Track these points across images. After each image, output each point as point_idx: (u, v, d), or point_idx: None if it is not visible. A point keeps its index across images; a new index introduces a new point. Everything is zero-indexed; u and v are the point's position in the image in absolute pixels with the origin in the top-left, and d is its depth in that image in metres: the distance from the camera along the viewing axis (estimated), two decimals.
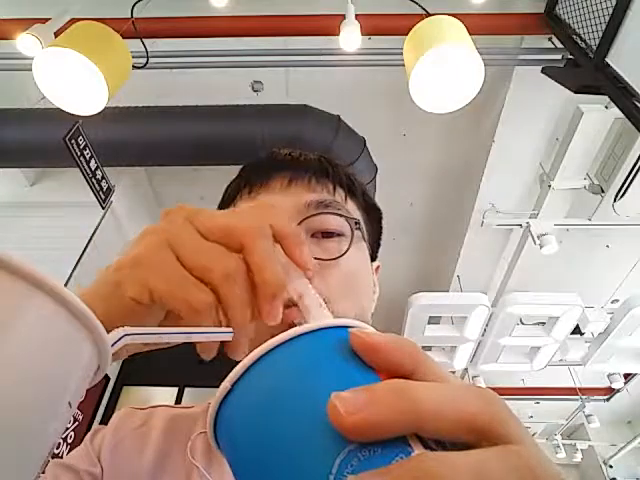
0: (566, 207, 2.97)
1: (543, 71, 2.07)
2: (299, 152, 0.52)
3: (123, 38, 1.62)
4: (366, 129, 2.72)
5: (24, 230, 3.03)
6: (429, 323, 3.24)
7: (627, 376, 4.18)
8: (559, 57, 2.07)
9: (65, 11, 1.78)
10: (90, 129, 2.28)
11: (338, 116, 2.65)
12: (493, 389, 0.18)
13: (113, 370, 3.61)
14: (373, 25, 1.93)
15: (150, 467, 0.46)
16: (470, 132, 2.94)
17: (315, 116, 2.63)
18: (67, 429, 2.91)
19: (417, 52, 1.45)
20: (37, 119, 2.60)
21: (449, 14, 1.58)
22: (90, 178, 2.38)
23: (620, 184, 2.45)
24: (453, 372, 3.71)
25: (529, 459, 0.16)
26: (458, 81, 1.50)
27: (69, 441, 2.93)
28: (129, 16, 1.80)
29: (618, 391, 4.48)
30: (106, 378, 3.50)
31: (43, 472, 0.43)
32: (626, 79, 1.56)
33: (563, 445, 5.29)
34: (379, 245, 0.56)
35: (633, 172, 2.35)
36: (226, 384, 0.20)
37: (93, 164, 2.38)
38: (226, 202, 0.52)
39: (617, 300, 3.68)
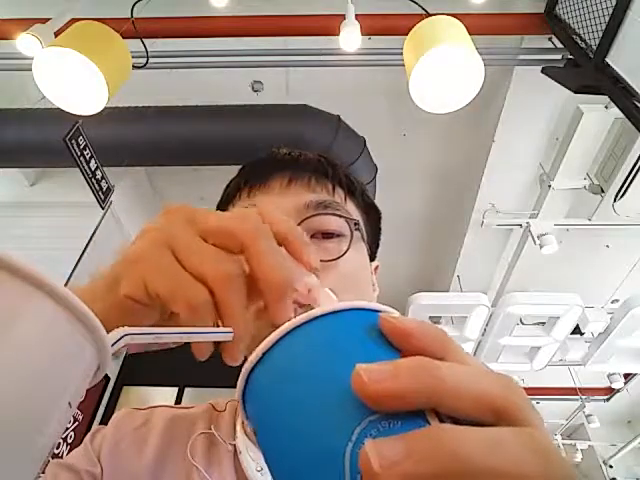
0: (566, 207, 2.97)
1: (543, 71, 2.07)
2: (299, 152, 0.52)
3: (123, 38, 1.62)
4: (366, 129, 2.72)
5: (24, 230, 3.03)
6: None
7: (627, 376, 4.18)
8: (559, 57, 2.07)
9: (65, 11, 1.78)
10: (90, 129, 2.28)
11: (338, 116, 2.65)
12: None
13: (113, 370, 3.61)
14: (373, 25, 1.93)
15: (150, 467, 0.46)
16: (470, 132, 2.94)
17: (315, 116, 2.63)
18: (67, 429, 2.91)
19: (417, 52, 1.45)
20: (37, 119, 2.59)
21: (449, 14, 1.58)
22: (90, 178, 2.38)
23: (620, 184, 2.45)
24: None
25: (542, 442, 0.16)
26: (458, 81, 1.50)
27: (69, 441, 2.93)
28: (129, 16, 1.80)
29: (618, 391, 4.48)
30: (106, 378, 3.50)
31: (43, 472, 0.43)
32: (626, 79, 1.56)
33: (563, 445, 5.29)
34: (378, 245, 0.56)
35: (633, 172, 2.35)
36: (258, 352, 0.20)
37: (93, 164, 2.38)
38: (225, 202, 0.52)
39: (617, 300, 3.68)
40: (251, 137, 2.57)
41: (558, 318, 3.08)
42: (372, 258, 0.53)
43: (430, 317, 3.19)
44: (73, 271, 2.60)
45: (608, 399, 4.77)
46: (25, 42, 1.63)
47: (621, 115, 1.69)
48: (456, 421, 0.17)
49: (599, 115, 2.39)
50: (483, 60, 1.41)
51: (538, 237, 2.98)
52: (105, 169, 2.51)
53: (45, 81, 1.51)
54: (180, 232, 0.26)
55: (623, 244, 3.24)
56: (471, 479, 0.15)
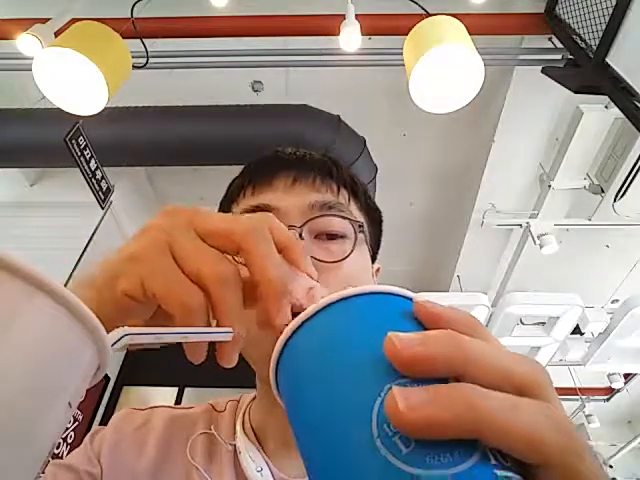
0: (566, 207, 2.97)
1: (543, 71, 2.06)
2: (303, 152, 0.52)
3: (123, 38, 1.62)
4: (366, 129, 2.72)
5: (24, 230, 3.03)
6: None
7: (627, 376, 4.18)
8: (559, 57, 2.07)
9: (65, 11, 1.78)
10: (90, 129, 2.28)
11: (338, 116, 2.65)
12: None
13: (113, 370, 3.61)
14: (373, 25, 1.93)
15: (149, 467, 0.46)
16: (470, 132, 2.94)
17: (315, 116, 2.63)
18: (67, 429, 2.91)
19: (417, 52, 1.45)
20: (37, 119, 2.59)
21: (449, 14, 1.58)
22: (90, 178, 2.38)
23: (620, 184, 2.45)
24: None
25: (560, 415, 0.17)
26: (458, 81, 1.50)
27: (69, 441, 2.93)
28: (129, 16, 1.80)
29: (618, 391, 4.48)
30: (106, 378, 3.50)
31: (43, 472, 0.43)
32: (626, 79, 1.56)
33: None
34: (379, 247, 0.56)
35: (633, 172, 2.35)
36: (298, 320, 0.22)
37: (93, 164, 2.38)
38: (229, 200, 0.52)
39: (617, 300, 3.67)
40: (251, 137, 2.57)
41: (558, 318, 3.08)
42: (373, 260, 0.54)
43: None
44: (73, 271, 2.60)
45: (608, 399, 4.77)
46: (25, 42, 1.63)
47: (621, 115, 1.69)
48: None
49: (599, 115, 2.39)
50: (483, 60, 1.41)
51: (538, 237, 2.98)
52: (105, 169, 2.51)
53: (45, 81, 1.51)
54: (180, 233, 0.27)
55: (623, 244, 3.24)
56: (488, 433, 0.15)
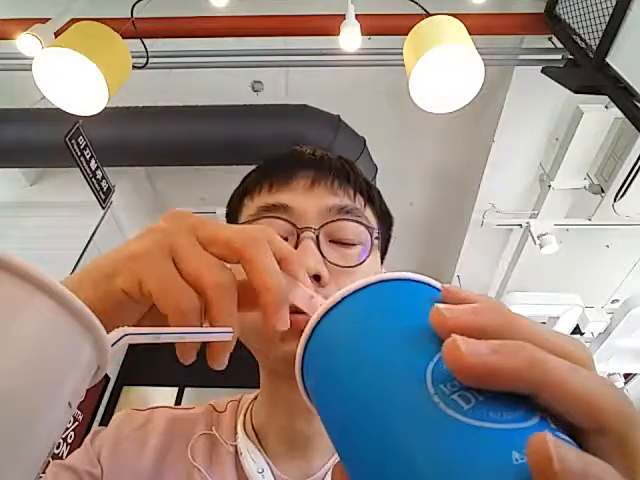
0: (566, 207, 2.97)
1: (543, 71, 2.06)
2: (322, 152, 0.52)
3: (123, 38, 1.61)
4: (366, 129, 2.72)
5: (24, 230, 3.03)
6: None
7: (627, 376, 4.18)
8: (559, 57, 2.07)
9: (65, 11, 1.78)
10: (90, 129, 2.28)
11: (338, 116, 2.65)
12: None
13: (113, 370, 3.61)
14: (373, 25, 1.93)
15: (150, 468, 0.46)
16: (470, 132, 2.94)
17: (315, 116, 2.63)
18: (67, 429, 2.91)
19: (417, 52, 1.45)
20: (37, 119, 2.60)
21: (449, 14, 1.58)
22: (90, 178, 2.38)
23: (620, 184, 2.45)
24: None
25: (618, 388, 0.16)
26: (458, 81, 1.50)
27: (69, 441, 2.93)
28: (129, 16, 1.79)
29: None
30: (106, 378, 3.50)
31: (43, 472, 0.43)
32: (626, 79, 1.56)
33: None
34: (386, 252, 0.56)
35: (633, 172, 2.35)
36: (337, 296, 0.22)
37: (93, 164, 2.38)
38: (242, 192, 0.51)
39: (617, 300, 3.68)
40: (251, 137, 2.57)
41: (558, 318, 3.08)
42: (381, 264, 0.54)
43: None
44: (73, 271, 2.60)
45: None
46: (25, 42, 1.63)
47: (621, 115, 1.69)
48: None
49: (599, 115, 2.39)
50: (483, 60, 1.41)
51: (538, 237, 2.98)
52: (105, 169, 2.51)
53: (45, 81, 1.51)
54: (182, 237, 0.27)
55: (623, 244, 3.24)
56: (549, 390, 0.15)
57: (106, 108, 1.60)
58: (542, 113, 2.63)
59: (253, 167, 0.54)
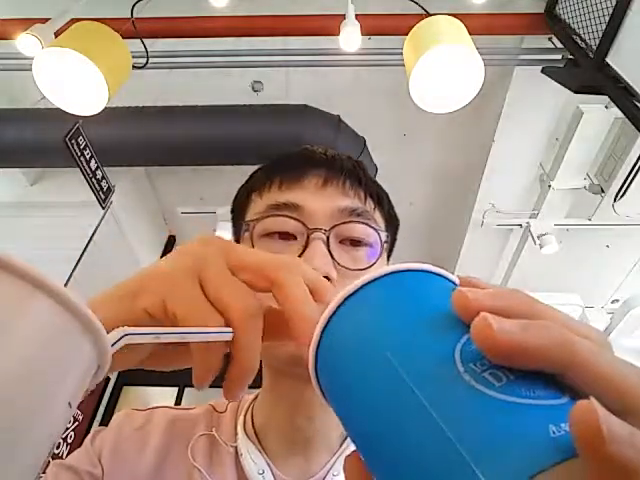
0: (566, 207, 2.97)
1: (543, 71, 2.06)
2: (332, 152, 0.52)
3: (123, 38, 1.61)
4: (366, 129, 2.72)
5: (24, 230, 3.03)
6: None
7: None
8: (559, 57, 2.07)
9: (65, 11, 1.78)
10: (90, 129, 2.28)
11: (338, 116, 2.65)
12: None
13: None
14: (373, 25, 1.93)
15: (150, 468, 0.46)
16: (470, 132, 2.94)
17: (315, 116, 2.62)
18: (67, 429, 2.91)
19: (417, 52, 1.45)
20: (37, 119, 2.59)
21: (449, 14, 1.58)
22: (90, 178, 2.38)
23: (620, 184, 2.45)
24: None
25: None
26: (458, 81, 1.50)
27: (69, 441, 2.93)
28: (129, 16, 1.79)
29: None
30: (106, 378, 3.50)
31: (44, 472, 0.43)
32: (626, 79, 1.56)
33: None
34: (391, 254, 0.57)
35: (633, 172, 2.35)
36: (351, 288, 0.21)
37: (93, 164, 2.38)
38: (249, 189, 0.51)
39: (617, 300, 3.68)
40: (251, 137, 2.57)
41: None
42: None
43: None
44: (73, 271, 2.60)
45: None
46: (25, 42, 1.62)
47: (621, 115, 1.69)
48: None
49: (599, 115, 2.39)
50: (483, 60, 1.41)
51: (538, 237, 2.98)
52: (105, 169, 2.51)
53: (45, 81, 1.51)
54: (211, 261, 0.27)
55: (623, 244, 3.24)
56: (578, 369, 0.15)
57: (106, 108, 1.60)
58: (542, 113, 2.63)
59: (253, 167, 0.53)
